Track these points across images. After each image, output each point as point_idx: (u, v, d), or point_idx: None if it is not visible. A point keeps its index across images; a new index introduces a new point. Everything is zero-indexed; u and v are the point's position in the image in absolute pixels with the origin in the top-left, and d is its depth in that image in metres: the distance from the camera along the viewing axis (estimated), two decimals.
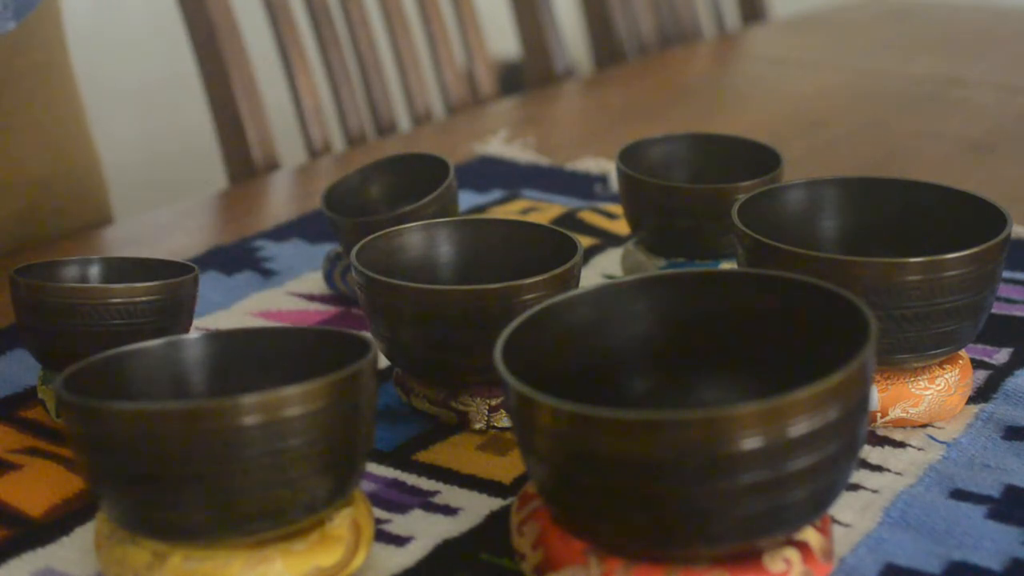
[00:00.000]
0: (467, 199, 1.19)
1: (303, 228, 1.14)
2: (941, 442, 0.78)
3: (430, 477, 0.76)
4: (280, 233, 1.13)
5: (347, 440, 0.64)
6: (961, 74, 1.59)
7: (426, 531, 0.71)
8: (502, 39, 2.05)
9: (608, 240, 1.09)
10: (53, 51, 1.13)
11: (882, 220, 0.84)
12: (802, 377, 0.59)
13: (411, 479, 0.76)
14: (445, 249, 0.85)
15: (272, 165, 1.37)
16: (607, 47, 1.78)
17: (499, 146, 1.34)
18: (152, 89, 2.40)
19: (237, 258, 1.07)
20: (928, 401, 0.79)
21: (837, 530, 0.70)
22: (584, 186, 1.23)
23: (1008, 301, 0.96)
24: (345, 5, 1.47)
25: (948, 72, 1.60)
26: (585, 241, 1.06)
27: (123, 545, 0.64)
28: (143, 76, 2.40)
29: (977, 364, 0.87)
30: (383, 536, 0.71)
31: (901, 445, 0.78)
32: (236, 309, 0.98)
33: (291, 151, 1.53)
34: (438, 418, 0.81)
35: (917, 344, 0.76)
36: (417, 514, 0.73)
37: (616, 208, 1.15)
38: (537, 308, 0.67)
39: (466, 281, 0.84)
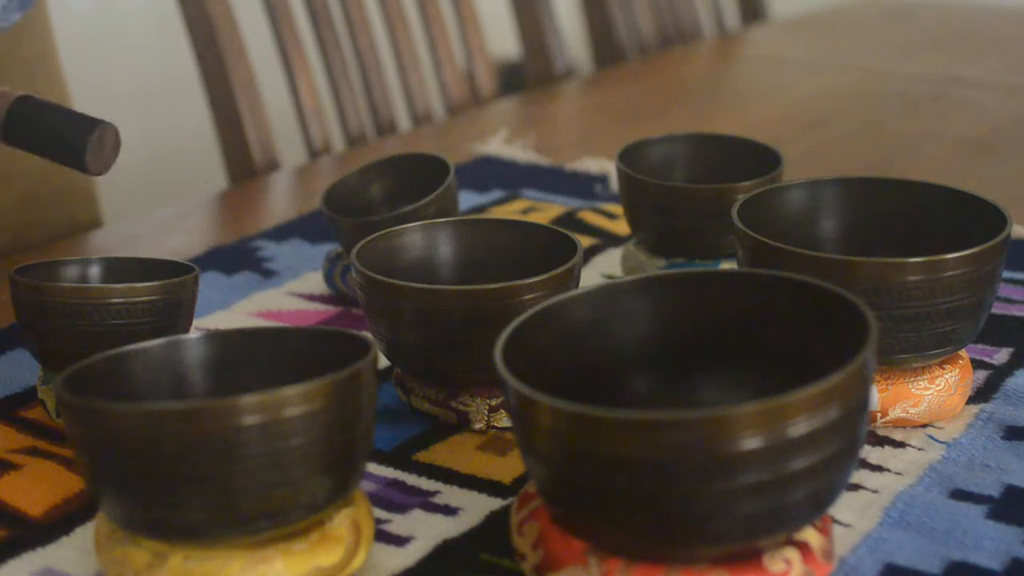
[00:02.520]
0: (467, 199, 1.19)
1: (303, 228, 1.14)
2: (941, 442, 0.78)
3: (430, 477, 0.76)
4: (280, 233, 1.13)
5: (347, 440, 0.64)
6: (961, 74, 1.59)
7: (426, 531, 0.71)
8: (502, 39, 2.05)
9: (608, 240, 1.09)
10: (42, 44, 1.13)
11: (882, 220, 0.84)
12: (802, 377, 0.59)
13: (411, 479, 0.76)
14: (445, 249, 0.85)
15: (272, 165, 1.37)
16: (607, 47, 1.78)
17: (499, 146, 1.34)
18: (152, 89, 2.40)
19: (237, 258, 1.07)
20: (928, 401, 0.79)
21: (837, 530, 0.70)
22: (584, 186, 1.23)
23: (1008, 301, 0.96)
24: (345, 5, 1.47)
25: (948, 72, 1.60)
26: (585, 241, 1.06)
27: (123, 545, 0.64)
28: (143, 76, 2.40)
29: (977, 364, 0.87)
30: (383, 536, 0.71)
31: (901, 445, 0.78)
32: (236, 309, 0.98)
33: (291, 151, 1.53)
34: (438, 418, 0.81)
35: (917, 344, 0.76)
36: (417, 514, 0.73)
37: (616, 208, 1.15)
38: (537, 308, 0.67)
39: (466, 281, 0.84)
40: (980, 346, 0.89)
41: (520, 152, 1.33)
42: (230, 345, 0.70)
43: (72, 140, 0.79)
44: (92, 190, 1.20)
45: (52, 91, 1.14)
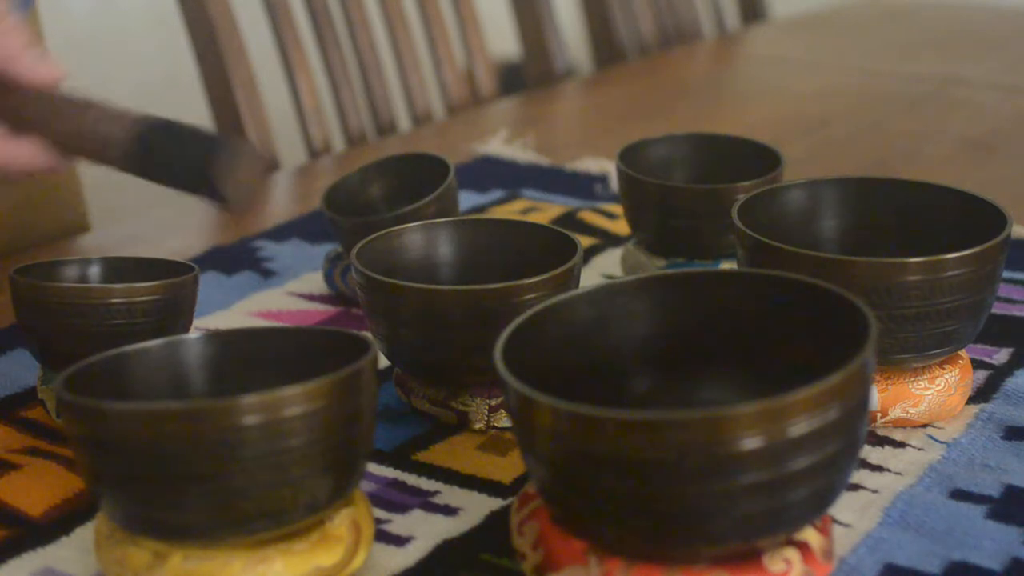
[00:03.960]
0: (467, 199, 1.19)
1: (303, 228, 1.14)
2: (941, 442, 0.78)
3: (430, 477, 0.76)
4: (280, 233, 1.13)
5: (347, 440, 0.64)
6: (961, 74, 1.59)
7: (426, 531, 0.71)
8: (502, 39, 2.05)
9: (608, 240, 1.09)
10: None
11: (882, 220, 0.84)
12: (802, 377, 0.59)
13: (411, 479, 0.76)
14: (445, 249, 0.85)
15: (272, 165, 1.37)
16: (607, 47, 1.78)
17: (499, 146, 1.34)
18: (152, 89, 2.40)
19: (237, 258, 1.07)
20: (928, 401, 0.79)
21: (837, 530, 0.70)
22: (584, 186, 1.23)
23: (1008, 301, 0.96)
24: (345, 5, 1.47)
25: (948, 72, 1.60)
26: (585, 241, 1.06)
27: (123, 545, 0.64)
28: (143, 77, 2.40)
29: (977, 364, 0.87)
30: (383, 536, 0.71)
31: (901, 445, 0.78)
32: (236, 309, 0.98)
33: (291, 151, 1.53)
34: (438, 418, 0.81)
35: (917, 344, 0.76)
36: (417, 514, 0.72)
37: (616, 208, 1.15)
38: (537, 308, 0.67)
39: (466, 281, 0.84)
40: (980, 346, 0.89)
41: (520, 152, 1.33)
42: (230, 345, 0.70)
43: (201, 171, 0.70)
44: (80, 194, 1.19)
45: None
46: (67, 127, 0.75)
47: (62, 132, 0.75)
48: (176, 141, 0.72)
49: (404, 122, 1.58)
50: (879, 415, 0.79)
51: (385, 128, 1.49)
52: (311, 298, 1.00)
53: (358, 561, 0.66)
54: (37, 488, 0.75)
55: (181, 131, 0.72)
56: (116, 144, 0.73)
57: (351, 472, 0.65)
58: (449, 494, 0.74)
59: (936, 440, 0.79)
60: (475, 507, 0.73)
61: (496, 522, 0.71)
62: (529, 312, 0.66)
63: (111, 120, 0.74)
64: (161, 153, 0.72)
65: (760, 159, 0.97)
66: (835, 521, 0.70)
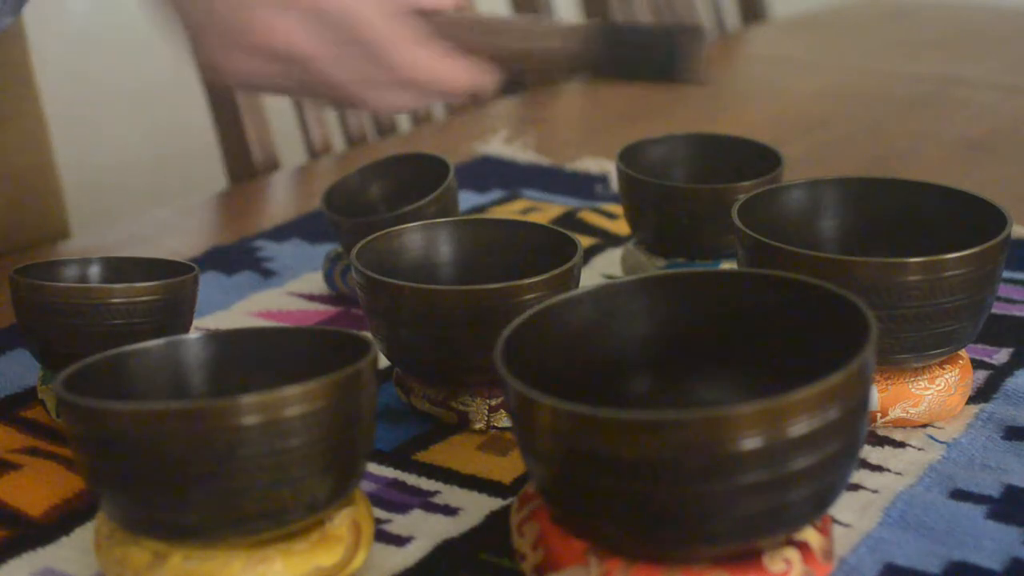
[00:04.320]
0: (467, 199, 1.19)
1: (303, 228, 1.14)
2: (941, 442, 0.78)
3: (430, 477, 0.76)
4: (280, 233, 1.13)
5: (347, 440, 0.64)
6: (961, 74, 1.59)
7: (426, 531, 0.71)
8: None
9: (608, 240, 1.09)
10: (12, 49, 1.12)
11: (882, 220, 0.84)
12: (802, 377, 0.59)
13: (411, 479, 0.76)
14: (445, 249, 0.85)
15: (272, 165, 1.37)
16: None
17: (499, 146, 1.34)
18: (153, 89, 2.40)
19: (237, 258, 1.07)
20: (928, 401, 0.79)
21: (837, 530, 0.70)
22: (584, 186, 1.23)
23: (1008, 301, 0.96)
24: None
25: (948, 72, 1.60)
26: (585, 241, 1.06)
27: (123, 545, 0.64)
28: (143, 76, 2.40)
29: (977, 364, 0.87)
30: (383, 536, 0.71)
31: (901, 445, 0.78)
32: (236, 309, 0.98)
33: (291, 151, 1.53)
34: (438, 418, 0.81)
35: (917, 344, 0.76)
36: (417, 514, 0.72)
37: (616, 208, 1.15)
38: (537, 308, 0.67)
39: (466, 281, 0.84)
40: (980, 346, 0.89)
41: (520, 152, 1.33)
42: (230, 345, 0.70)
43: (659, 58, 0.75)
44: (61, 201, 1.18)
45: (21, 93, 1.13)
46: (513, 45, 0.79)
47: (507, 50, 0.79)
48: (629, 38, 0.77)
49: (404, 122, 1.58)
50: (879, 415, 0.79)
51: (385, 128, 1.49)
52: (311, 298, 1.00)
53: (358, 561, 0.66)
54: (37, 488, 0.75)
55: (628, 29, 0.78)
56: (567, 53, 0.78)
57: (351, 472, 0.65)
58: (449, 494, 0.74)
59: (936, 440, 0.79)
60: (475, 507, 0.73)
61: (496, 522, 0.71)
62: (529, 312, 0.66)
63: (555, 33, 0.78)
64: (620, 51, 0.77)
65: (760, 159, 0.97)
66: (835, 521, 0.70)
